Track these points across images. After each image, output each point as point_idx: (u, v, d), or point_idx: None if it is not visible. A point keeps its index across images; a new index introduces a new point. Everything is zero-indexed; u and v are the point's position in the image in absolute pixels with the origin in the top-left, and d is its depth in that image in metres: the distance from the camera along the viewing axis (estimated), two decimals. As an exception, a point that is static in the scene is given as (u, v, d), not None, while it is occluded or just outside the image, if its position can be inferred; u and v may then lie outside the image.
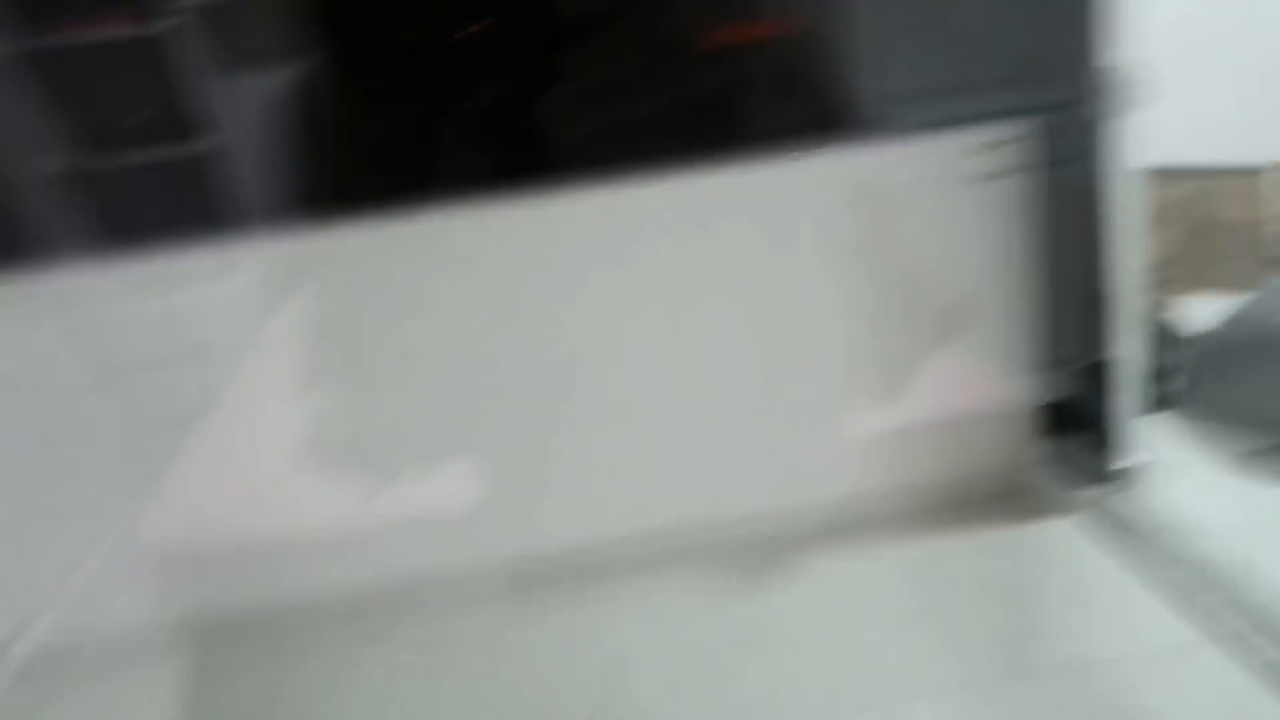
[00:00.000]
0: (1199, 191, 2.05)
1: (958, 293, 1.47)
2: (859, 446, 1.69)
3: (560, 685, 1.77)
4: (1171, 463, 1.70)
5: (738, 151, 1.40)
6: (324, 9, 1.28)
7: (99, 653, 1.88)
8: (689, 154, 1.40)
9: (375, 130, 1.39)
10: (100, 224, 1.69)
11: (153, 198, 1.72)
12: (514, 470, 1.88)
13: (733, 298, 1.68)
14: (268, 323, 1.82)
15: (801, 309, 1.64)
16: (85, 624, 1.91)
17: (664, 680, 1.72)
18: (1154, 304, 1.75)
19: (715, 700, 1.65)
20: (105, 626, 1.90)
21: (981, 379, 1.62)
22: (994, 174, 1.37)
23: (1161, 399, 1.66)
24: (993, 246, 1.48)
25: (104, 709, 1.80)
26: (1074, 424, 1.60)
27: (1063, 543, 1.79)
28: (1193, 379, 1.66)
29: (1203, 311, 1.80)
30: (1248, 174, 2.02)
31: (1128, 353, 1.54)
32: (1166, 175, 2.02)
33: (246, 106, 1.55)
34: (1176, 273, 2.03)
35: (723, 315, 1.68)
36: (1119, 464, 1.55)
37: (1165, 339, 1.68)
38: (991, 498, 1.85)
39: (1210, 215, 2.07)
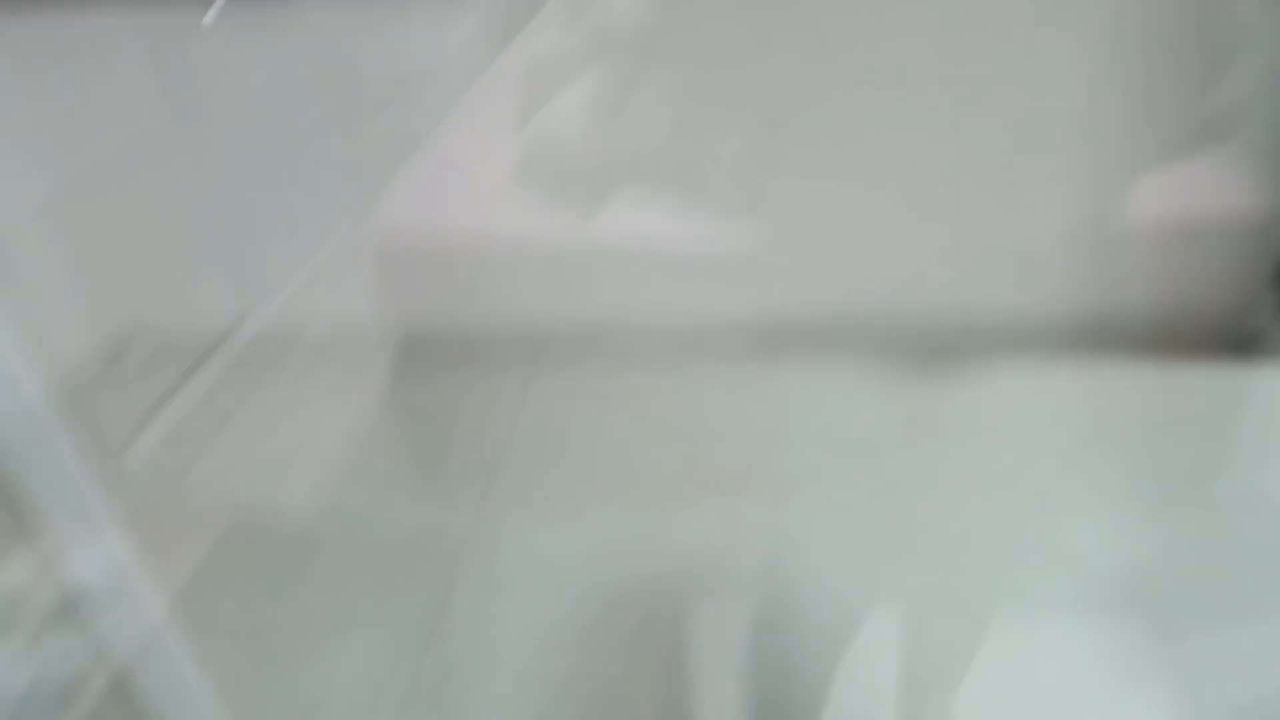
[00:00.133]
0: None
1: (1225, 99, 1.32)
2: (1085, 256, 1.59)
3: (724, 437, 1.85)
4: None
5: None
6: None
7: (312, 345, 2.07)
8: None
9: None
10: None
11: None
12: (731, 225, 1.86)
13: (988, 78, 1.57)
14: (496, 55, 1.83)
15: (1055, 99, 1.52)
16: (303, 318, 2.10)
17: (822, 448, 1.78)
18: None
19: (868, 474, 1.69)
20: (321, 322, 2.08)
21: (1230, 198, 1.49)
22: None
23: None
24: (1269, 56, 1.31)
25: (309, 396, 2.01)
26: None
27: (1273, 390, 1.68)
28: None
29: None
30: None
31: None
32: None
33: None
34: None
35: (975, 95, 1.58)
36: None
37: None
38: (1209, 332, 1.74)
39: None
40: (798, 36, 1.62)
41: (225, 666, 1.45)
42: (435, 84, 2.04)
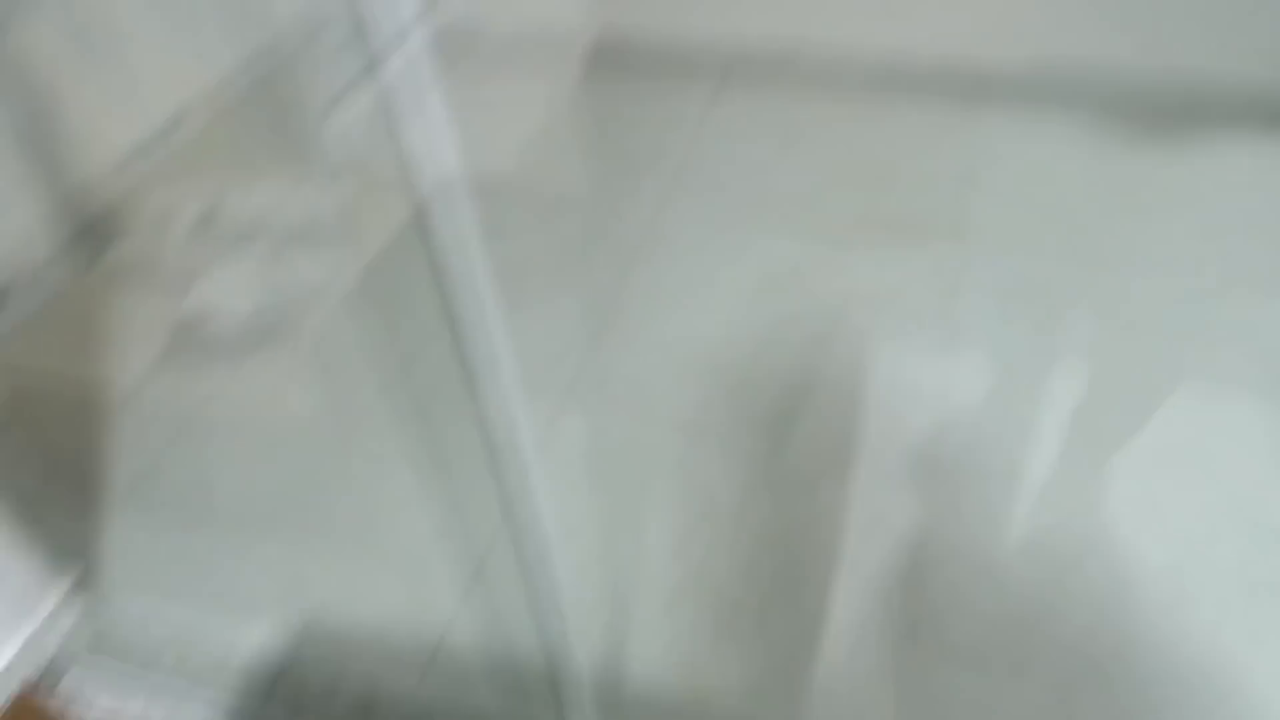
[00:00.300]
0: None
1: None
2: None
3: (913, 180, 1.79)
4: None
5: None
6: None
7: (503, 42, 2.04)
8: None
9: None
10: None
11: None
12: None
13: None
14: None
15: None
16: (498, 13, 2.06)
17: (1015, 206, 1.71)
18: None
19: (1060, 237, 1.63)
20: (515, 20, 2.04)
21: None
22: None
23: None
24: None
25: (499, 93, 1.99)
26: None
27: None
28: None
29: None
30: None
31: None
32: None
33: None
34: None
35: None
36: None
37: None
38: None
39: None
40: None
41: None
42: None
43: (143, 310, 1.71)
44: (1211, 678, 1.08)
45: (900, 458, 1.35)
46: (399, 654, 1.20)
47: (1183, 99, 1.80)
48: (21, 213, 1.70)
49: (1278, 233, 1.58)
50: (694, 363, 1.52)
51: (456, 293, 0.65)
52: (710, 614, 1.20)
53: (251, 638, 1.25)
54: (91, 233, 1.79)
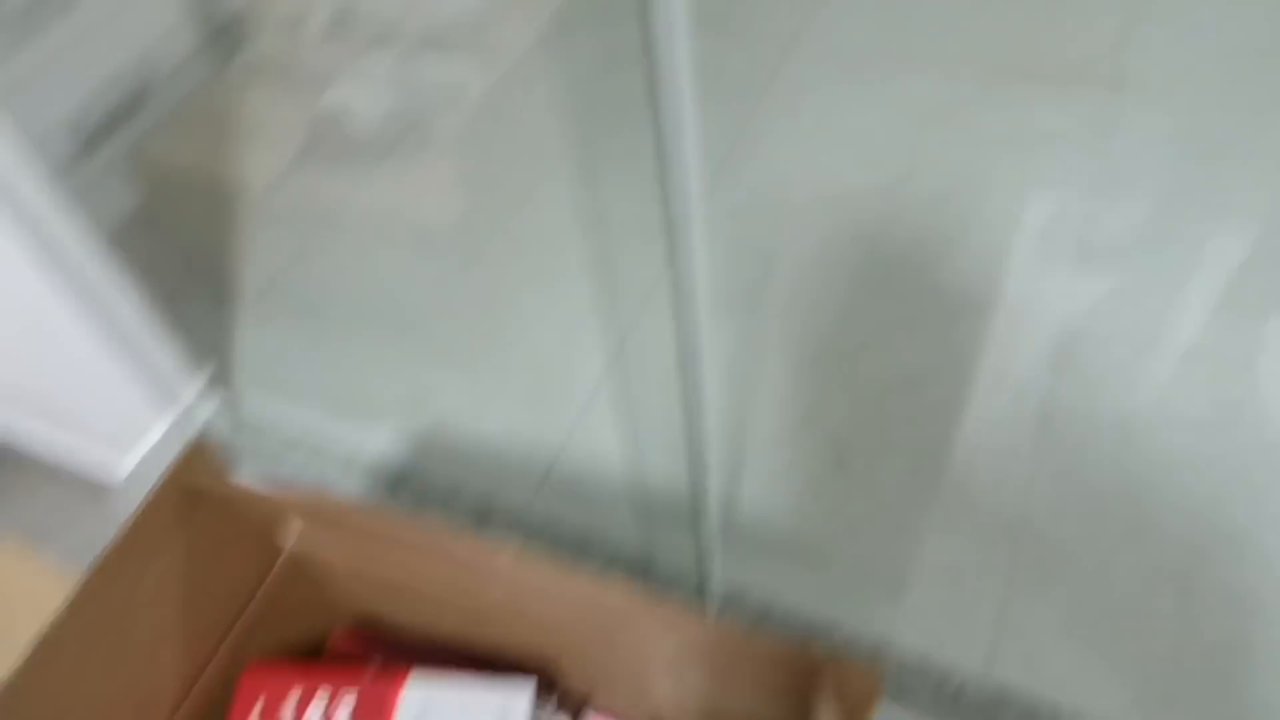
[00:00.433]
0: None
1: None
2: None
3: (1074, 15, 1.63)
4: None
5: None
6: None
7: None
8: None
9: None
10: None
11: None
12: None
13: None
14: None
15: None
16: None
17: (1192, 54, 1.55)
18: None
19: (1241, 91, 1.48)
20: None
21: None
22: None
23: None
24: None
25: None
26: None
27: None
28: None
29: None
30: None
31: None
32: None
33: None
34: None
35: None
36: None
37: None
38: None
39: None
40: None
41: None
42: None
43: (278, 111, 1.72)
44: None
45: (1038, 312, 1.28)
46: (517, 467, 1.22)
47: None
48: (159, 12, 1.70)
49: None
50: (823, 201, 1.45)
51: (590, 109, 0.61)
52: (825, 453, 1.18)
53: (377, 442, 1.28)
54: (226, 33, 1.79)
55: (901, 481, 1.15)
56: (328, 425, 1.32)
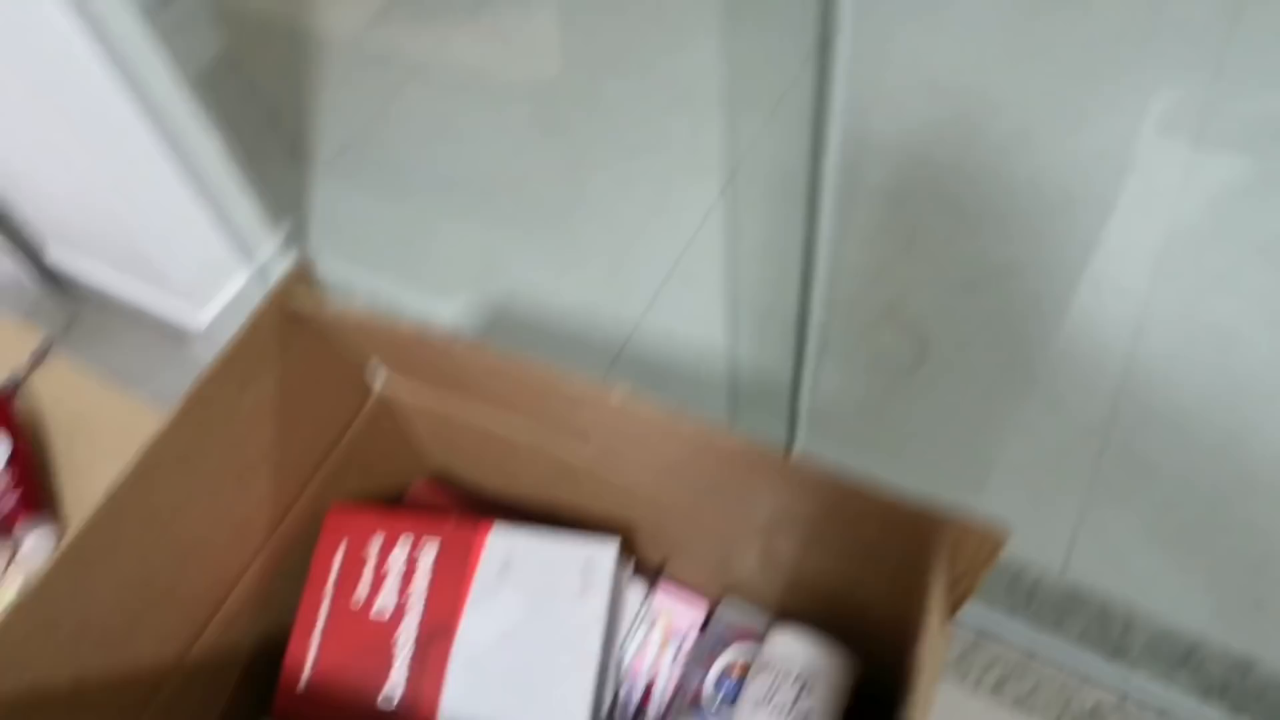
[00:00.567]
0: None
1: None
2: None
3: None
4: None
5: None
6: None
7: None
8: None
9: None
10: None
11: None
12: None
13: None
14: None
15: None
16: None
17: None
18: None
19: None
20: None
21: None
22: None
23: None
24: None
25: None
26: None
27: None
28: None
29: None
30: None
31: None
32: None
33: None
34: None
35: None
36: None
37: None
38: None
39: None
40: None
41: None
42: None
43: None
44: None
45: (1143, 211, 1.21)
46: (591, 341, 1.21)
47: None
48: None
49: None
50: (921, 86, 1.38)
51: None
52: (908, 343, 1.15)
53: (448, 311, 1.28)
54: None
55: (986, 376, 1.11)
56: (399, 292, 1.31)
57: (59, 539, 0.74)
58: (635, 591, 0.72)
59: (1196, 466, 1.02)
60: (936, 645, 0.47)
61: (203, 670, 0.61)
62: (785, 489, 0.49)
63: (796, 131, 0.70)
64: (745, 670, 0.69)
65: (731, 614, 0.73)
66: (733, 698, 0.68)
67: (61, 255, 1.35)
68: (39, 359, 0.85)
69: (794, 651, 0.65)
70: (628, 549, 0.68)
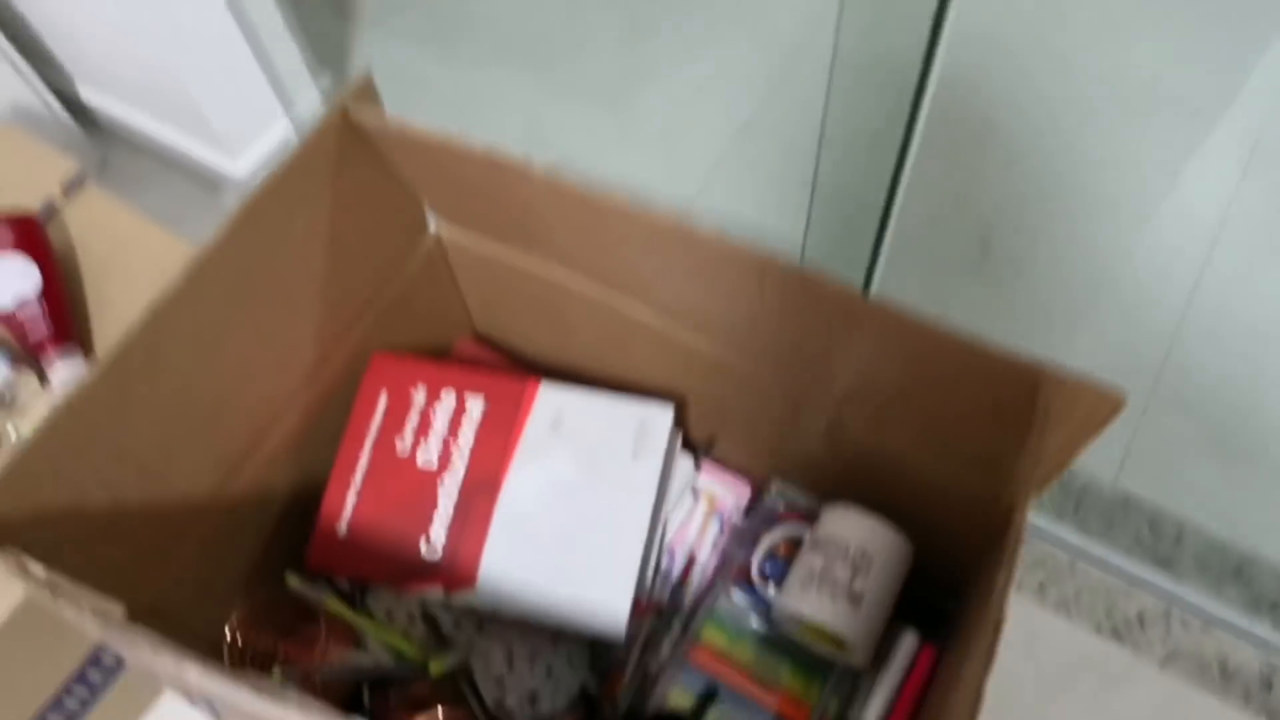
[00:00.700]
0: None
1: None
2: None
3: None
4: None
5: None
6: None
7: None
8: None
9: None
10: None
11: None
12: None
13: None
14: None
15: None
16: None
17: None
18: None
19: None
20: None
21: None
22: None
23: None
24: None
25: None
26: None
27: None
28: None
29: None
30: None
31: None
32: None
33: None
34: None
35: None
36: None
37: None
38: None
39: None
40: None
41: None
42: None
43: None
44: None
45: (1235, 114, 1.14)
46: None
47: None
48: None
49: None
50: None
51: None
52: (972, 238, 1.10)
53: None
54: None
55: (1050, 280, 1.07)
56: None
57: (92, 370, 0.71)
58: (682, 465, 0.69)
59: (1259, 384, 0.98)
60: (1023, 524, 0.44)
61: (238, 511, 0.60)
62: (868, 342, 0.45)
63: (913, 19, 0.65)
64: (792, 550, 0.67)
65: (780, 493, 0.70)
66: (780, 577, 0.65)
67: (93, 96, 1.30)
68: (73, 189, 0.81)
69: (851, 530, 0.62)
70: (677, 422, 0.65)
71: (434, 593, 0.60)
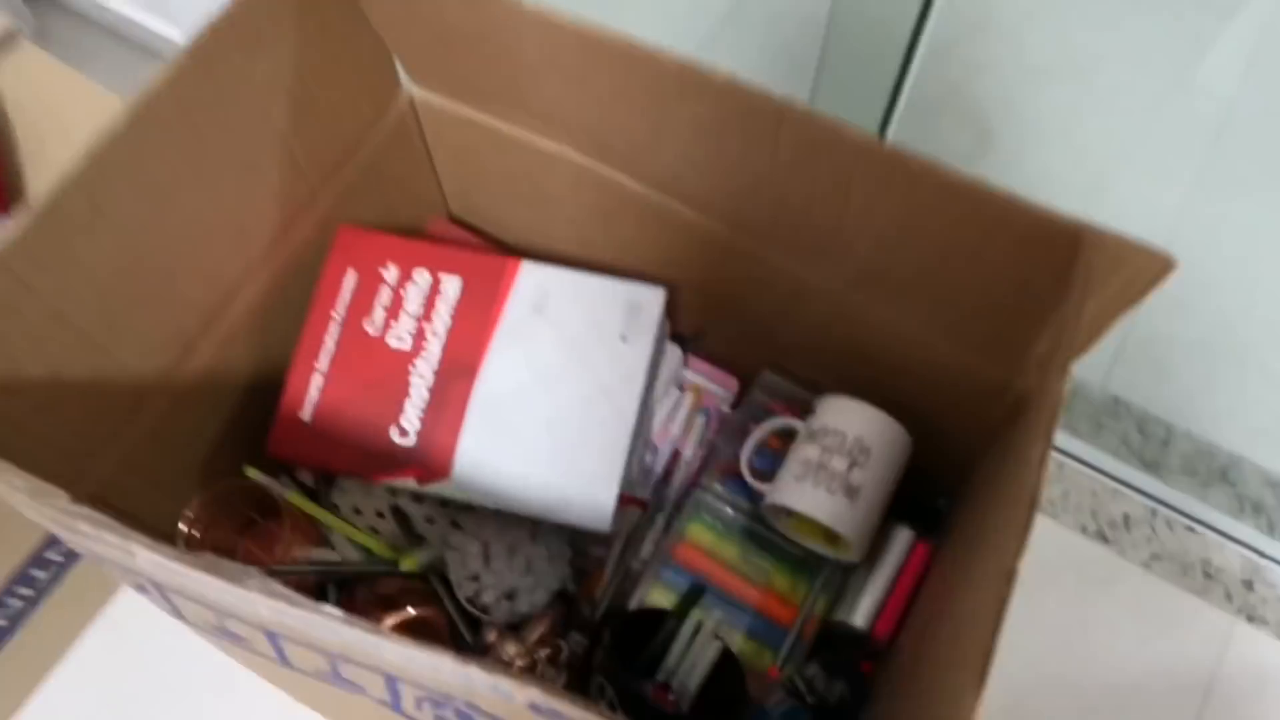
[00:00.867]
0: None
1: None
2: None
3: None
4: None
5: None
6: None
7: None
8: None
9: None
10: None
11: None
12: None
13: None
14: None
15: None
16: None
17: None
18: None
19: None
20: None
21: None
22: None
23: None
24: None
25: None
26: None
27: None
28: None
29: None
30: None
31: None
32: None
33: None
34: None
35: None
36: None
37: None
38: None
39: None
40: None
41: None
42: None
43: None
44: None
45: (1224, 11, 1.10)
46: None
47: None
48: None
49: None
50: None
51: None
52: (970, 128, 1.05)
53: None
54: None
55: (1051, 176, 1.03)
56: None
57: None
58: (670, 355, 0.65)
59: (1251, 287, 0.96)
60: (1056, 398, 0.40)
61: (193, 394, 0.55)
62: (894, 202, 0.41)
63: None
64: (783, 443, 0.64)
65: (770, 386, 0.67)
66: (771, 470, 0.62)
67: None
68: (3, 46, 0.74)
69: (849, 421, 0.59)
70: (667, 308, 0.61)
71: (406, 483, 0.57)
